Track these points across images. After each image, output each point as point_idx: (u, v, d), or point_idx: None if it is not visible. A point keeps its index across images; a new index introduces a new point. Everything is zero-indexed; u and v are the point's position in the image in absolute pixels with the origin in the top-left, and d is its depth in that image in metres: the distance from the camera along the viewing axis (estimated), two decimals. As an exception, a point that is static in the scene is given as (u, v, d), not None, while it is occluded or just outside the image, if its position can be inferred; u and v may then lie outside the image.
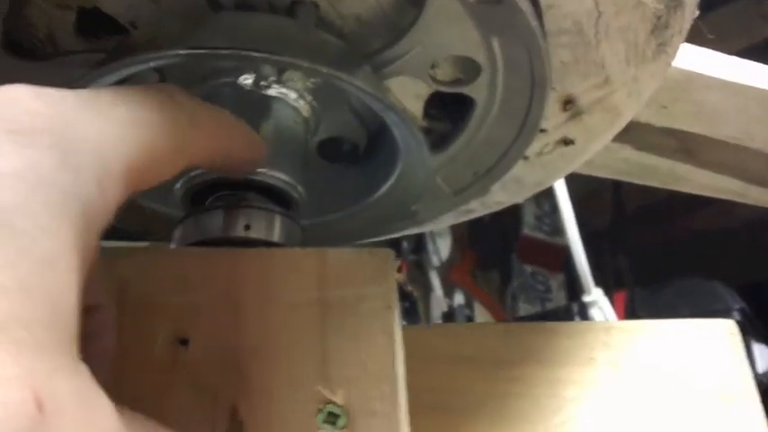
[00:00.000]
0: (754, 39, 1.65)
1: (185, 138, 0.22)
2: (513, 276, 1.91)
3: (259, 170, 0.30)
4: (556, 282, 2.01)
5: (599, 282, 2.03)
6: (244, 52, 0.26)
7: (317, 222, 0.38)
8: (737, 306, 1.32)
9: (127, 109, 0.20)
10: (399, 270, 1.34)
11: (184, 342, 0.25)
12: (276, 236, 0.29)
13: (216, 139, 0.24)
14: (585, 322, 0.39)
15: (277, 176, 0.30)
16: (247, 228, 0.28)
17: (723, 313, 1.30)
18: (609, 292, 1.56)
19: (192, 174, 0.30)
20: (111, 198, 0.18)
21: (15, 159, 0.16)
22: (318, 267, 0.28)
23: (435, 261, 1.68)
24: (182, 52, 0.26)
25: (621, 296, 1.45)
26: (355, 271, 0.28)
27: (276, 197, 0.30)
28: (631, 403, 0.37)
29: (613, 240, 1.97)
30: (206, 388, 0.25)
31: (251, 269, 0.27)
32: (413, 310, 1.59)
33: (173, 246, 0.29)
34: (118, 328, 0.24)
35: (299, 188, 0.31)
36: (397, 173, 0.35)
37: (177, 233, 0.29)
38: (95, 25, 0.32)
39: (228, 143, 0.25)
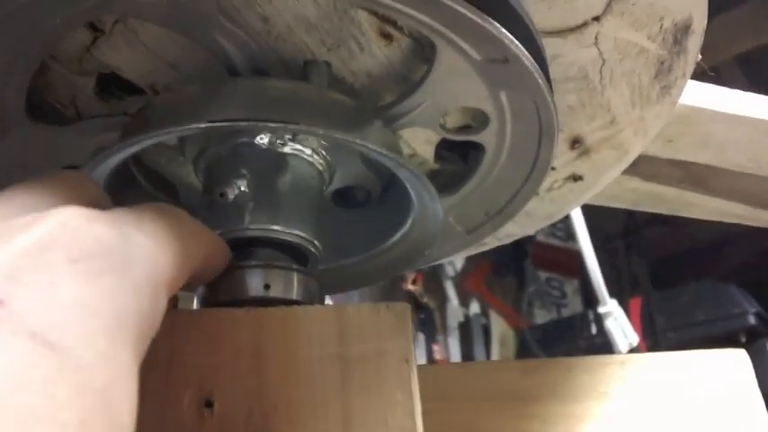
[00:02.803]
0: (762, 39, 1.64)
1: (193, 248, 0.24)
2: (528, 283, 1.92)
3: (277, 227, 0.31)
4: (571, 287, 2.01)
5: (615, 285, 2.03)
6: (260, 123, 0.27)
7: (334, 266, 0.39)
8: (753, 309, 1.31)
9: (162, 226, 0.21)
10: (415, 281, 1.35)
11: (210, 405, 0.26)
12: (295, 293, 0.30)
13: (205, 248, 0.26)
14: (601, 357, 0.40)
15: (294, 233, 0.31)
16: (267, 287, 0.29)
17: (739, 317, 1.30)
18: (625, 297, 1.57)
19: (215, 231, 0.31)
20: (161, 306, 0.20)
21: (76, 288, 0.17)
22: (338, 323, 0.29)
23: (450, 271, 1.68)
24: (202, 126, 0.27)
25: (637, 302, 1.45)
26: (374, 326, 0.29)
27: (294, 253, 0.31)
28: (646, 435, 0.37)
29: (628, 244, 1.97)
30: (232, 447, 0.26)
31: (272, 328, 0.28)
32: (429, 320, 1.60)
33: (195, 305, 0.30)
34: (144, 392, 0.25)
35: (316, 242, 0.32)
36: (409, 221, 0.35)
37: (199, 293, 0.30)
38: (115, 87, 0.34)
39: (209, 251, 0.27)
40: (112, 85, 0.33)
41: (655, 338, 1.38)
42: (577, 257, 1.78)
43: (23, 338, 0.16)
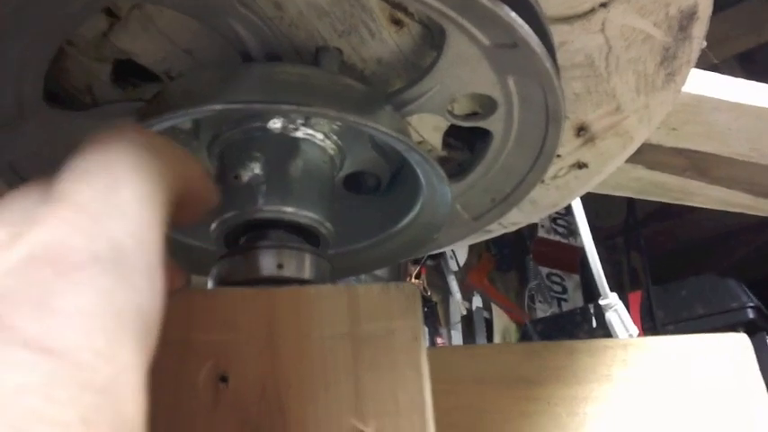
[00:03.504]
0: (762, 38, 1.65)
1: (179, 187, 0.22)
2: (530, 278, 1.93)
3: (289, 209, 0.31)
4: (572, 282, 2.02)
5: (615, 280, 2.03)
6: (274, 105, 0.28)
7: (344, 251, 0.39)
8: (751, 303, 1.32)
9: (135, 194, 0.20)
10: (419, 275, 1.36)
11: (224, 380, 0.27)
12: (307, 273, 0.31)
13: (186, 181, 0.24)
14: (604, 340, 0.40)
15: (306, 215, 0.32)
16: (280, 267, 0.30)
17: (737, 310, 1.31)
18: (625, 291, 1.57)
19: (226, 215, 0.31)
20: (159, 288, 0.20)
21: (69, 297, 0.17)
22: (349, 303, 0.29)
23: (453, 265, 1.69)
24: (217, 107, 0.27)
25: (637, 296, 1.46)
26: (384, 306, 0.29)
27: (306, 235, 0.32)
28: (648, 417, 0.38)
29: (627, 239, 1.98)
30: (246, 422, 0.27)
31: (285, 307, 0.29)
32: (432, 314, 1.60)
33: (209, 285, 0.31)
34: (159, 369, 0.26)
35: (327, 224, 0.33)
36: (419, 206, 0.36)
37: (213, 273, 0.31)
38: (131, 74, 0.34)
39: (194, 185, 0.24)
40: (128, 71, 0.34)
41: (654, 332, 1.38)
42: (578, 253, 1.79)
43: (18, 348, 0.16)
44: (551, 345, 0.40)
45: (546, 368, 0.38)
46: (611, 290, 1.22)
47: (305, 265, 0.31)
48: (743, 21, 1.74)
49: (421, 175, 0.34)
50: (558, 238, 1.99)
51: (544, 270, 1.99)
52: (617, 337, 1.08)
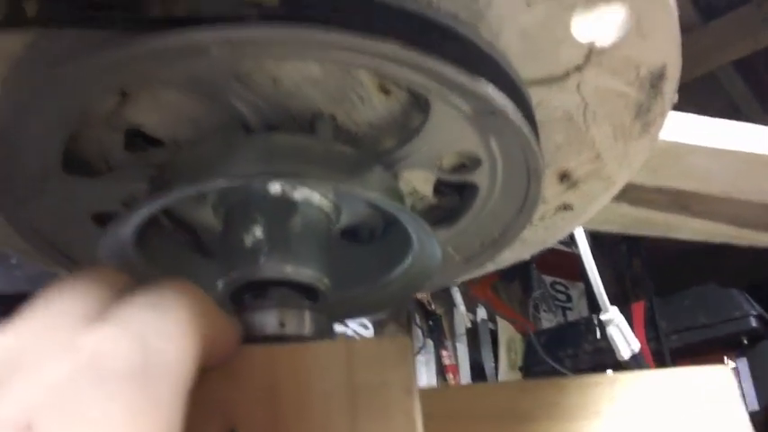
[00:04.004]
0: (759, 44, 1.66)
1: (209, 333, 0.26)
2: (534, 287, 1.94)
3: (289, 268, 0.34)
4: (576, 290, 2.03)
5: (619, 289, 2.05)
6: (274, 178, 0.30)
7: (343, 297, 0.41)
8: (754, 312, 1.34)
9: (179, 318, 0.24)
10: (422, 290, 1.36)
11: (233, 433, 0.29)
12: (307, 330, 0.33)
13: (218, 332, 0.28)
14: (594, 376, 0.42)
15: (305, 272, 0.34)
16: (282, 325, 0.32)
17: (740, 319, 1.32)
18: (628, 300, 1.59)
19: (231, 275, 0.34)
20: (182, 404, 0.23)
21: (102, 410, 0.20)
22: (346, 357, 0.31)
23: (456, 279, 1.71)
24: (222, 184, 0.30)
25: (640, 306, 1.47)
26: (378, 358, 0.31)
27: (305, 291, 0.34)
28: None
29: (630, 248, 2.00)
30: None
31: (287, 363, 0.31)
32: (437, 327, 1.62)
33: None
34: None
35: (325, 280, 0.35)
36: (410, 257, 0.38)
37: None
38: (141, 140, 0.37)
39: (220, 336, 0.28)
40: (138, 137, 0.36)
41: (658, 342, 1.40)
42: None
43: None
44: (543, 382, 0.42)
45: (538, 405, 0.40)
46: (615, 299, 1.24)
47: (305, 322, 0.33)
48: (738, 27, 1.76)
49: (411, 231, 0.36)
50: (560, 246, 2.01)
51: (548, 279, 2.01)
52: (618, 351, 1.10)
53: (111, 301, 0.24)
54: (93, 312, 0.23)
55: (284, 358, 0.31)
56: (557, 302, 1.99)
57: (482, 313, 1.76)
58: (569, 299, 2.02)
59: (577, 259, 1.93)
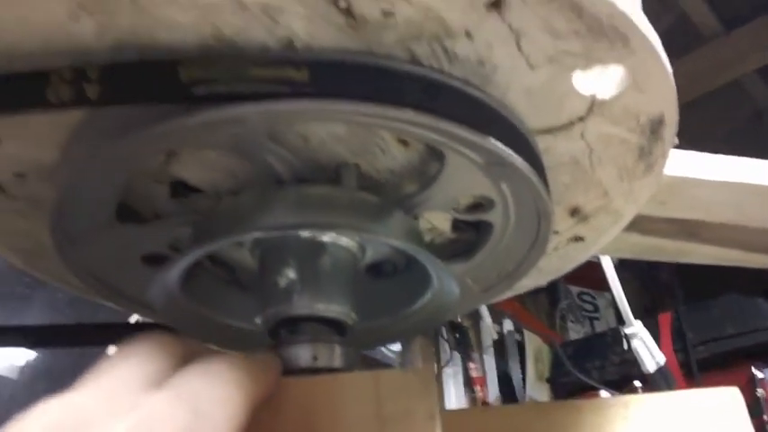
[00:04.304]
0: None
1: (255, 392, 0.30)
2: (561, 298, 1.96)
3: (320, 305, 0.37)
4: (603, 300, 2.04)
5: (648, 297, 2.05)
6: (305, 229, 0.34)
7: (368, 327, 0.45)
8: (781, 322, 1.34)
9: (227, 391, 0.28)
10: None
11: (271, 461, 0.33)
12: (337, 362, 0.36)
13: (265, 385, 0.32)
14: (607, 399, 0.45)
15: (334, 309, 0.37)
16: (315, 359, 0.36)
17: (766, 330, 1.33)
18: (657, 309, 1.60)
19: (267, 312, 0.37)
20: None
21: None
22: (374, 387, 0.35)
23: (482, 292, 1.73)
24: (258, 235, 0.33)
25: (667, 317, 1.49)
26: (403, 389, 0.35)
27: (334, 325, 0.38)
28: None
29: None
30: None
31: (320, 393, 0.34)
32: (464, 340, 1.65)
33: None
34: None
35: (352, 314, 0.38)
36: (429, 293, 0.42)
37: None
38: (185, 189, 0.40)
39: (268, 384, 0.32)
40: (182, 186, 0.40)
41: (685, 353, 1.41)
42: (608, 271, 1.82)
43: None
44: (559, 404, 0.45)
45: (555, 427, 0.43)
46: (645, 305, 1.26)
47: (335, 355, 0.36)
48: (761, 36, 1.77)
49: (430, 270, 0.39)
50: (586, 258, 2.02)
51: (575, 289, 2.02)
52: (643, 364, 1.12)
53: (170, 370, 0.28)
54: (153, 379, 0.27)
55: (318, 389, 0.34)
56: (584, 313, 2.00)
57: (508, 325, 1.78)
58: (597, 309, 2.04)
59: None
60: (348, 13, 0.29)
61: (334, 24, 0.30)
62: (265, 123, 0.32)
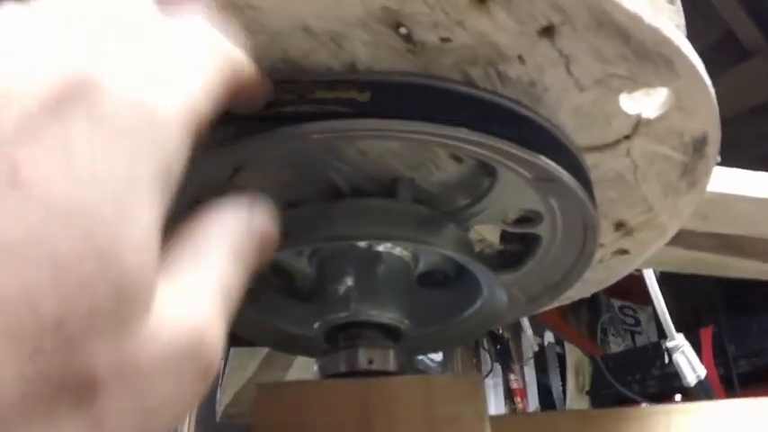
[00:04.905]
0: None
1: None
2: (602, 311, 1.95)
3: (375, 311, 0.39)
4: (645, 314, 2.03)
5: (690, 311, 2.03)
6: (363, 240, 0.36)
7: (421, 333, 0.47)
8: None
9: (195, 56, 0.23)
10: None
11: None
12: (391, 366, 0.38)
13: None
14: (649, 407, 0.46)
15: (389, 315, 0.39)
16: (370, 362, 0.38)
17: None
18: (697, 325, 1.59)
19: (326, 318, 0.39)
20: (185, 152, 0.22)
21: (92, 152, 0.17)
22: (425, 391, 0.37)
23: (523, 303, 1.74)
24: (321, 244, 0.36)
25: (708, 331, 1.48)
26: (453, 392, 0.37)
27: (389, 331, 0.40)
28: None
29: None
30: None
31: (375, 396, 0.36)
32: (505, 351, 1.66)
33: (314, 378, 0.39)
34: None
35: (405, 321, 0.40)
36: (480, 301, 0.43)
37: (318, 365, 0.39)
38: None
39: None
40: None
41: (726, 367, 1.40)
42: (650, 285, 1.81)
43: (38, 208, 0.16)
44: (601, 412, 0.46)
45: (598, 432, 0.45)
46: (687, 320, 1.25)
47: (389, 359, 0.38)
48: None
49: (481, 279, 0.41)
50: (628, 271, 2.01)
51: (616, 303, 2.02)
52: (684, 377, 1.12)
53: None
54: None
55: (373, 391, 0.36)
56: (625, 326, 1.99)
57: (549, 337, 1.78)
58: (638, 323, 2.02)
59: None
60: (408, 39, 0.32)
61: (395, 49, 0.32)
62: (328, 142, 0.34)
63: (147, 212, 0.19)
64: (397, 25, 0.31)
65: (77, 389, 0.16)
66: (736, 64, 1.76)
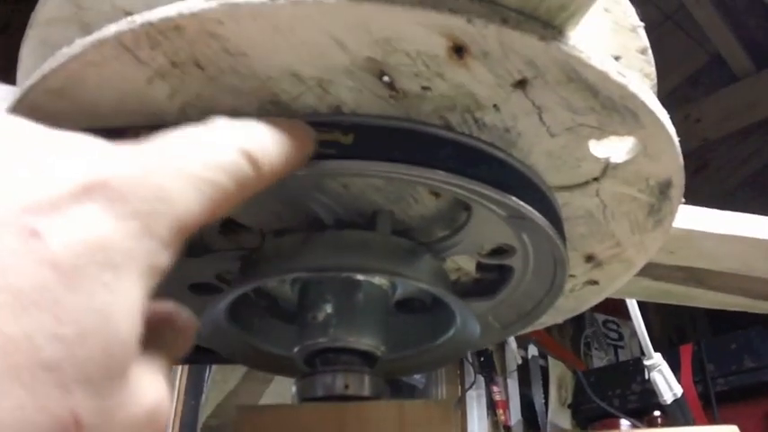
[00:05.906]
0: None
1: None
2: (586, 325, 1.98)
3: (353, 338, 0.41)
4: (628, 329, 2.05)
5: (673, 330, 2.06)
6: (343, 271, 0.38)
7: (395, 357, 0.49)
8: (802, 358, 1.35)
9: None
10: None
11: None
12: (367, 391, 0.40)
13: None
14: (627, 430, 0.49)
15: (366, 342, 0.41)
16: (346, 387, 0.40)
17: (788, 366, 1.34)
18: (682, 342, 1.62)
19: (305, 343, 0.41)
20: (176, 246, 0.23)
21: (83, 232, 0.19)
22: (398, 415, 0.39)
23: (507, 316, 1.76)
24: (302, 274, 0.38)
25: (688, 349, 1.50)
26: (425, 417, 0.39)
27: (365, 357, 0.42)
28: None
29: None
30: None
31: (351, 419, 0.38)
32: (488, 363, 1.68)
33: (292, 399, 0.41)
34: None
35: (382, 347, 0.42)
36: (453, 330, 0.45)
37: (296, 388, 0.41)
38: (234, 225, 0.45)
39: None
40: (232, 224, 0.44)
41: (705, 385, 1.42)
42: (634, 301, 1.84)
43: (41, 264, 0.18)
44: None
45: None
46: (671, 336, 1.28)
47: (365, 385, 0.40)
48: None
49: (454, 309, 0.43)
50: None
51: (600, 317, 2.04)
52: (662, 395, 1.14)
53: None
54: None
55: (349, 415, 0.38)
56: (608, 341, 2.02)
57: (533, 350, 1.80)
58: (621, 337, 2.05)
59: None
60: (391, 86, 0.34)
61: (379, 95, 0.34)
62: (312, 179, 0.36)
63: (138, 291, 0.21)
64: (381, 74, 0.33)
65: (65, 427, 0.18)
66: (724, 86, 1.79)
